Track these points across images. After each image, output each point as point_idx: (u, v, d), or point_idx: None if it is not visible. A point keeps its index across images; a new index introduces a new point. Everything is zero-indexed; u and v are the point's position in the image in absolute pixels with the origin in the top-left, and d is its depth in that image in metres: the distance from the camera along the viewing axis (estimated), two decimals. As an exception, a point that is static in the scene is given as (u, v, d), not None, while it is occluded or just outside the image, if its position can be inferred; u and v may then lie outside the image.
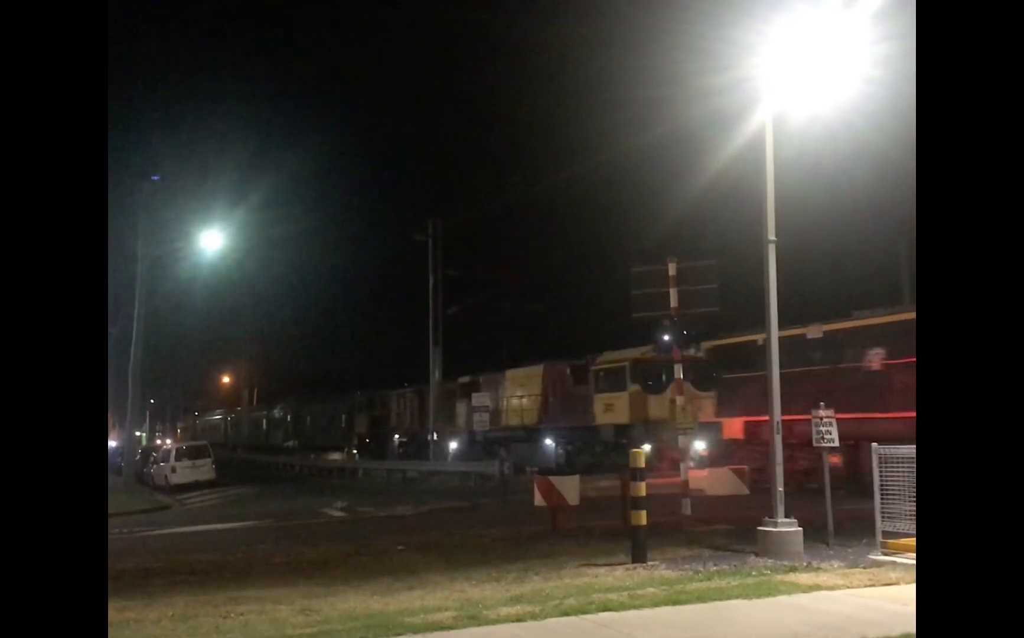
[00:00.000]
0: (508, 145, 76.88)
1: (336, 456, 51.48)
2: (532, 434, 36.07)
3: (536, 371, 36.75)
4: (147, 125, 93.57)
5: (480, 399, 37.40)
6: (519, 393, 37.48)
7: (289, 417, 65.12)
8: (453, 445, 41.59)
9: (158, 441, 75.29)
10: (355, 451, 51.96)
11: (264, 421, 71.41)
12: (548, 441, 35.38)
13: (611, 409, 30.70)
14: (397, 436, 47.85)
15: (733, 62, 11.87)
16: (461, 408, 40.15)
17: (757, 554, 11.82)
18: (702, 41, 12.06)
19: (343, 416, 55.58)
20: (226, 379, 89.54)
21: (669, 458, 24.74)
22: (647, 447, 26.94)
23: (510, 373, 38.79)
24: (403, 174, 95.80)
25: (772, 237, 12.43)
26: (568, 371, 34.48)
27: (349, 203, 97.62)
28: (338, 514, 24.52)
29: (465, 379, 41.64)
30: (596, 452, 31.39)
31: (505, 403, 38.36)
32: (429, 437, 40.65)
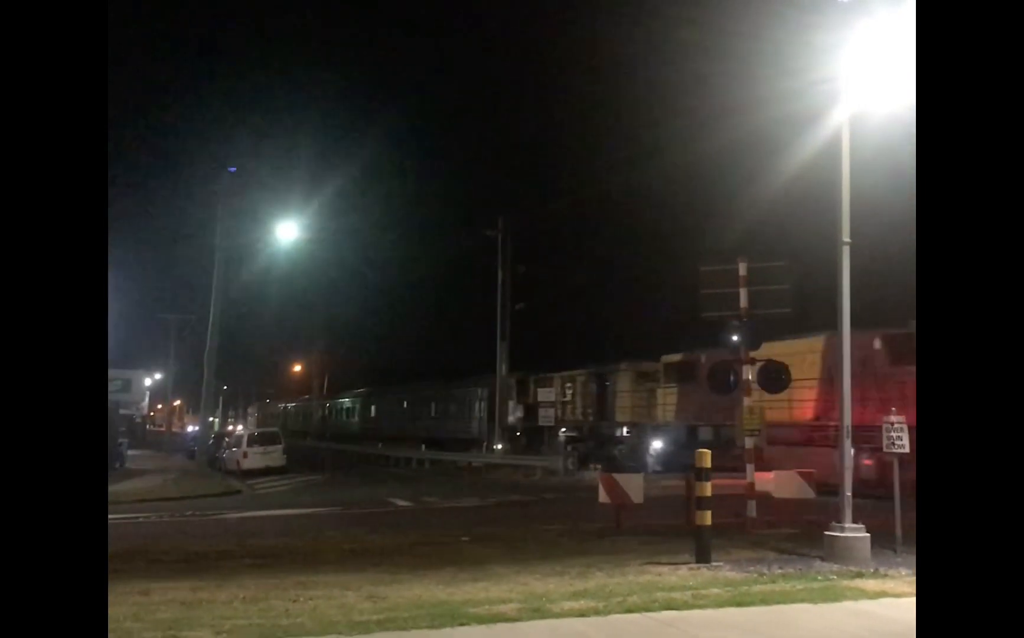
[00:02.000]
0: (581, 146, 76.74)
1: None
2: (812, 434, 23.77)
3: (812, 345, 24.35)
4: (225, 118, 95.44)
5: (546, 395, 37.41)
6: None
7: (406, 403, 56.17)
8: (656, 444, 31.11)
9: (230, 426, 76.79)
10: (498, 445, 41.21)
11: (371, 408, 62.33)
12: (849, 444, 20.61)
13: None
14: (564, 430, 37.11)
15: (809, 65, 11.76)
16: (667, 396, 30.99)
17: (823, 559, 11.70)
18: (778, 45, 11.97)
19: (478, 403, 45.45)
20: (297, 367, 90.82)
21: None
22: None
23: (768, 348, 24.05)
24: (474, 170, 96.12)
25: (847, 239, 12.28)
26: (878, 343, 22.23)
27: (420, 197, 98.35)
28: (404, 504, 24.83)
29: (674, 357, 30.94)
30: None
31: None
32: (621, 431, 33.33)
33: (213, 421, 64.80)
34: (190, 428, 49.20)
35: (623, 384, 34.80)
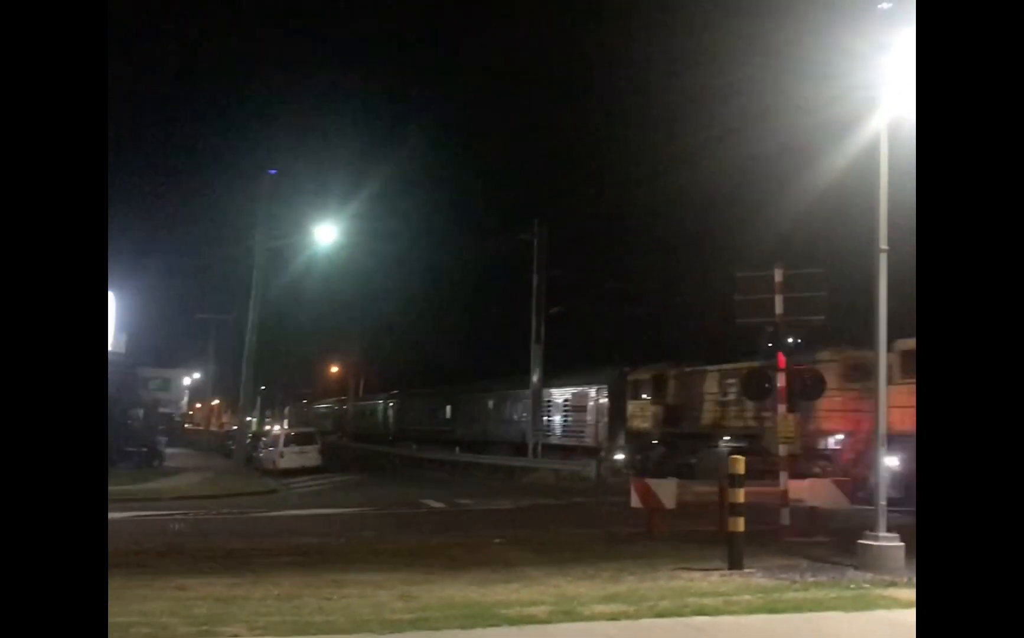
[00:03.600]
0: (617, 152, 76.41)
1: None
2: None
3: None
4: (265, 122, 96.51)
5: (579, 399, 37.22)
6: None
7: (491, 404, 48.34)
8: (890, 461, 17.07)
9: (267, 426, 77.36)
10: (618, 455, 34.44)
11: (445, 409, 55.04)
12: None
13: None
14: (727, 438, 28.69)
15: (847, 71, 11.72)
16: (903, 396, 18.22)
17: (856, 567, 11.62)
18: (816, 51, 11.95)
19: (592, 404, 37.66)
20: (335, 368, 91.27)
21: None
22: None
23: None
24: (511, 176, 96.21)
25: (884, 246, 12.21)
26: None
27: (457, 202, 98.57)
28: (437, 505, 24.95)
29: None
30: None
31: None
32: (824, 442, 24.75)
33: (251, 421, 65.34)
34: (236, 428, 49.37)
35: (828, 380, 22.71)
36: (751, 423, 28.22)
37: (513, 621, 8.22)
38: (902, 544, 11.67)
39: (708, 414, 30.19)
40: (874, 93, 11.98)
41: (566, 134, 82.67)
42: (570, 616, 8.52)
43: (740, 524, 11.79)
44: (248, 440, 46.26)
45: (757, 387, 17.85)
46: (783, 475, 15.87)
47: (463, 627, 7.99)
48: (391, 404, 66.02)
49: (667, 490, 15.87)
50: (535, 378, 39.77)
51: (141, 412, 47.09)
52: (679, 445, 31.11)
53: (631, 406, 34.33)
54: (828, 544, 14.01)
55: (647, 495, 15.72)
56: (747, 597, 9.67)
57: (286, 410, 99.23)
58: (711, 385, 30.68)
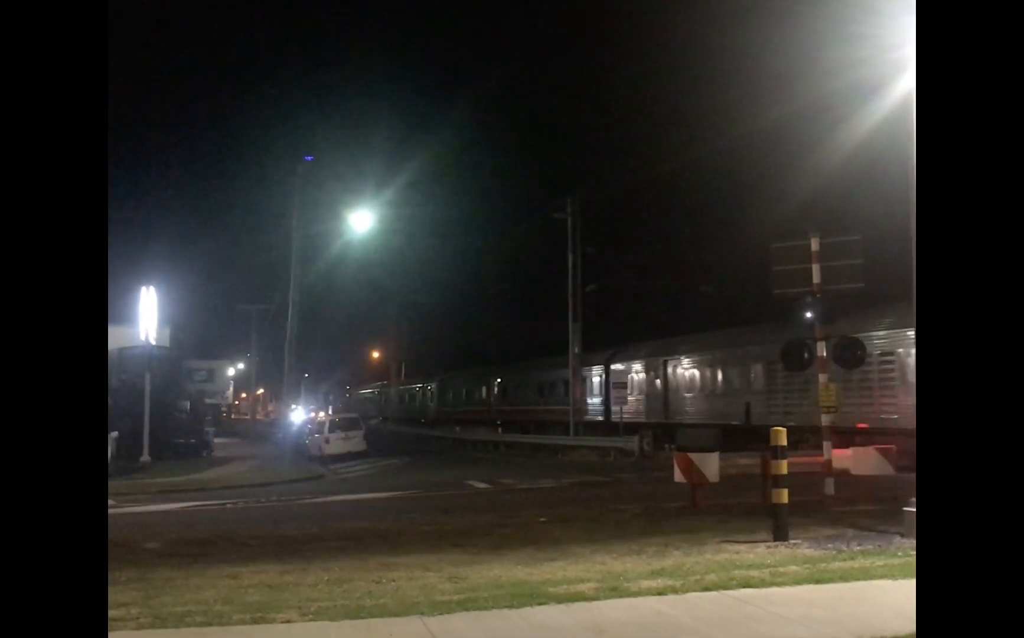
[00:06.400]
0: (644, 123, 75.81)
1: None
2: None
3: None
4: (302, 109, 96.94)
5: (618, 376, 36.94)
6: None
7: (707, 372, 35.09)
8: None
9: (311, 413, 78.05)
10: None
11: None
12: None
13: None
14: None
15: (876, 31, 11.57)
16: None
17: (903, 535, 11.54)
18: (844, 11, 11.81)
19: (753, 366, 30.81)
20: (375, 353, 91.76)
21: None
22: None
23: None
24: (543, 154, 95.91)
25: (920, 210, 12.08)
26: None
27: (491, 183, 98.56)
28: (481, 486, 25.11)
29: None
30: None
31: None
32: None
33: (295, 408, 65.97)
34: (299, 418, 48.59)
35: None
36: None
37: (561, 599, 8.28)
38: (949, 510, 11.58)
39: None
40: (905, 53, 11.84)
41: (597, 110, 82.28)
42: (617, 592, 8.58)
43: (784, 495, 11.77)
44: (293, 427, 46.77)
45: (796, 357, 17.69)
46: (827, 444, 15.80)
47: (511, 606, 8.06)
48: (498, 381, 55.19)
49: (709, 464, 15.86)
50: (573, 354, 39.77)
51: (188, 404, 47.71)
52: None
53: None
54: (874, 512, 13.94)
55: (690, 470, 15.72)
56: (793, 568, 9.66)
57: (331, 397, 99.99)
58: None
